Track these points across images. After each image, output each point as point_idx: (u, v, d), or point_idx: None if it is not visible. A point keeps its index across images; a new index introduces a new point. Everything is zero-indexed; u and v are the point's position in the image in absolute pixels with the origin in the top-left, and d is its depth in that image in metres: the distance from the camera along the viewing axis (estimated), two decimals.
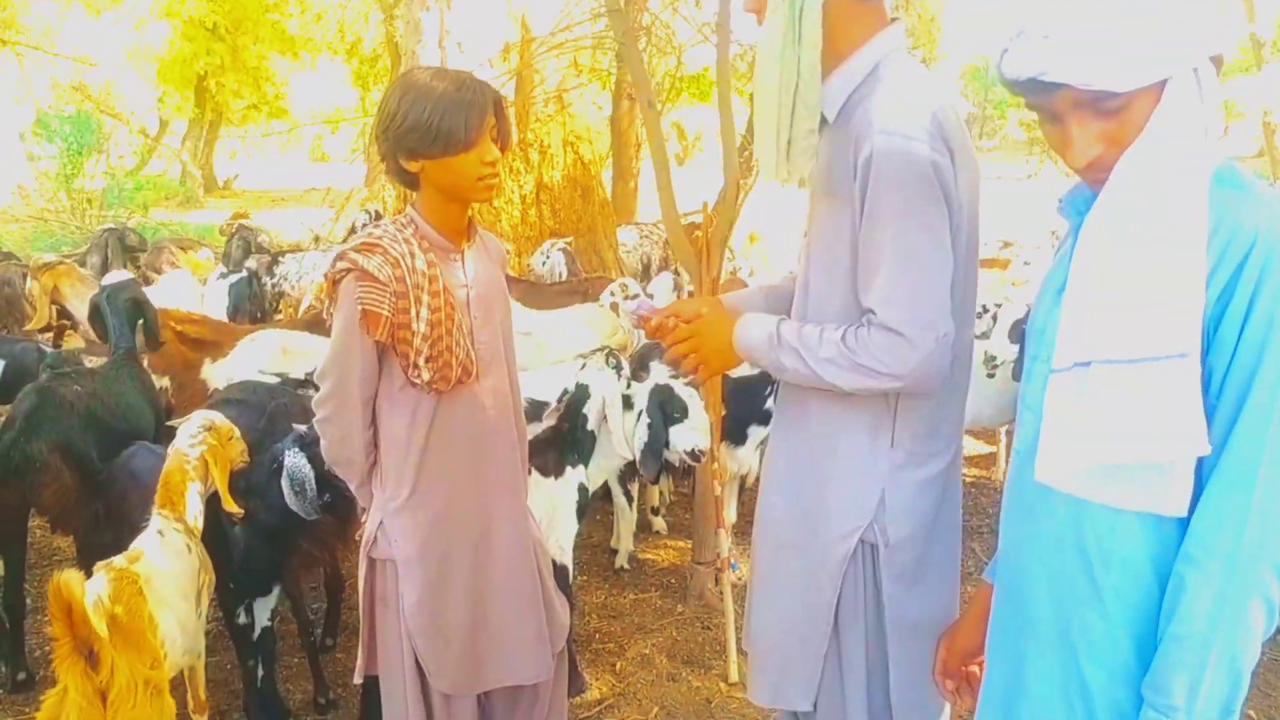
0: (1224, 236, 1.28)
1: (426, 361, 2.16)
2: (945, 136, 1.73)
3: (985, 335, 5.77)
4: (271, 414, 3.52)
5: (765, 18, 1.77)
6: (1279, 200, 1.31)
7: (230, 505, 2.85)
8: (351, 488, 2.37)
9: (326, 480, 2.98)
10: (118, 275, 4.42)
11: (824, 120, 1.82)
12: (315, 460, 2.96)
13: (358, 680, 2.42)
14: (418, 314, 2.14)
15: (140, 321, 4.17)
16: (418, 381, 2.17)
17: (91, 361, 4.55)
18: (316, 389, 2.32)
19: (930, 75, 1.86)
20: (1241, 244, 1.27)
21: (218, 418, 3.01)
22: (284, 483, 2.96)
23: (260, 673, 3.31)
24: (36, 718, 2.27)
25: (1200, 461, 1.32)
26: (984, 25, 33.77)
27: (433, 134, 2.06)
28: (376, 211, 8.57)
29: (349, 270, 2.14)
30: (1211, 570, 1.28)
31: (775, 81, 1.76)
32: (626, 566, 4.58)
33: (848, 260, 1.82)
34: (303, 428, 3.04)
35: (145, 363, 4.28)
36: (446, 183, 2.16)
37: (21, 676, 3.57)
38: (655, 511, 5.08)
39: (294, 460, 2.97)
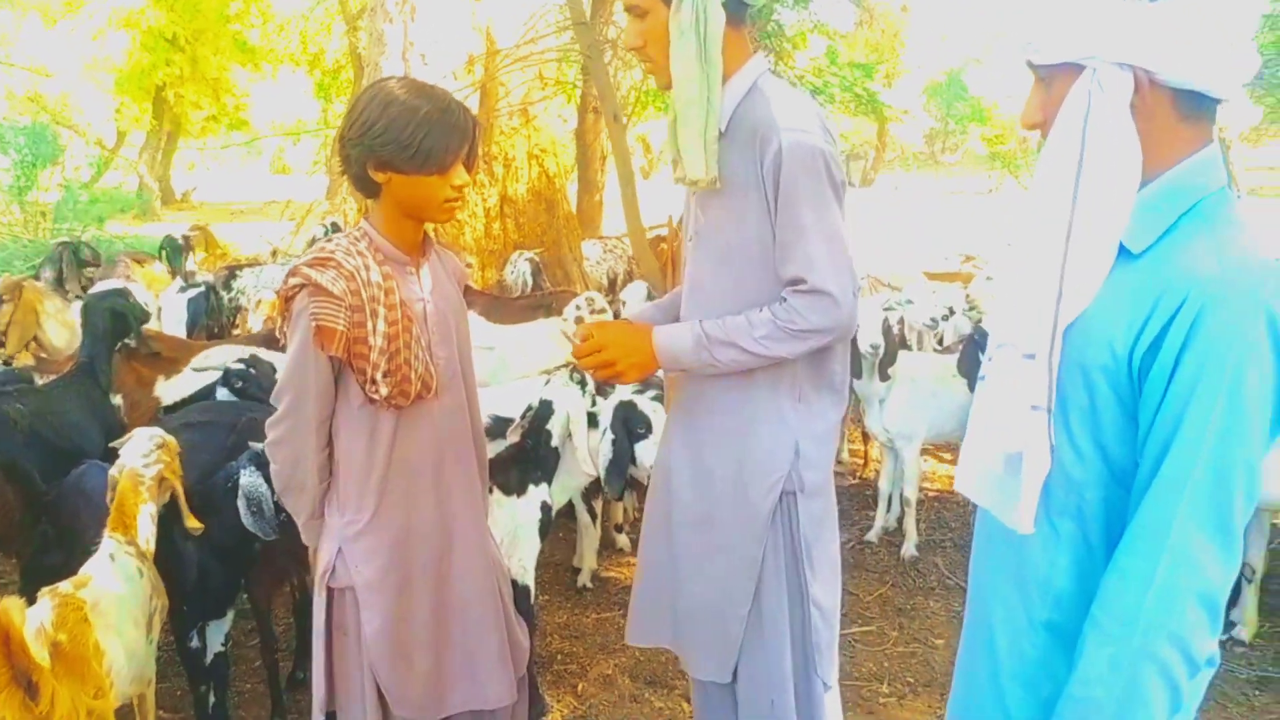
0: (1161, 284, 1.24)
1: (384, 376, 2.11)
2: (828, 130, 2.09)
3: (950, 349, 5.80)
4: (240, 431, 3.40)
5: (672, 49, 2.05)
6: (1232, 252, 1.24)
7: (193, 522, 2.78)
8: (299, 520, 2.28)
9: None
10: (107, 284, 4.36)
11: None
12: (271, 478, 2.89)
13: (318, 717, 2.34)
14: (374, 328, 2.09)
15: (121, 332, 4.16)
16: (376, 397, 2.12)
17: (41, 379, 4.44)
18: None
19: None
20: (1175, 296, 1.22)
21: (163, 433, 2.93)
22: (240, 502, 2.89)
23: (212, 699, 3.22)
24: None
25: (1116, 518, 1.29)
26: (946, 43, 34.20)
27: (412, 150, 2.04)
28: (335, 224, 8.50)
29: (302, 285, 2.09)
30: (1109, 633, 1.23)
31: (695, 93, 2.04)
32: (589, 585, 4.53)
33: (751, 247, 2.10)
34: (259, 445, 2.97)
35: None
36: (411, 199, 2.13)
37: None
38: (619, 529, 5.03)
39: (250, 479, 2.90)
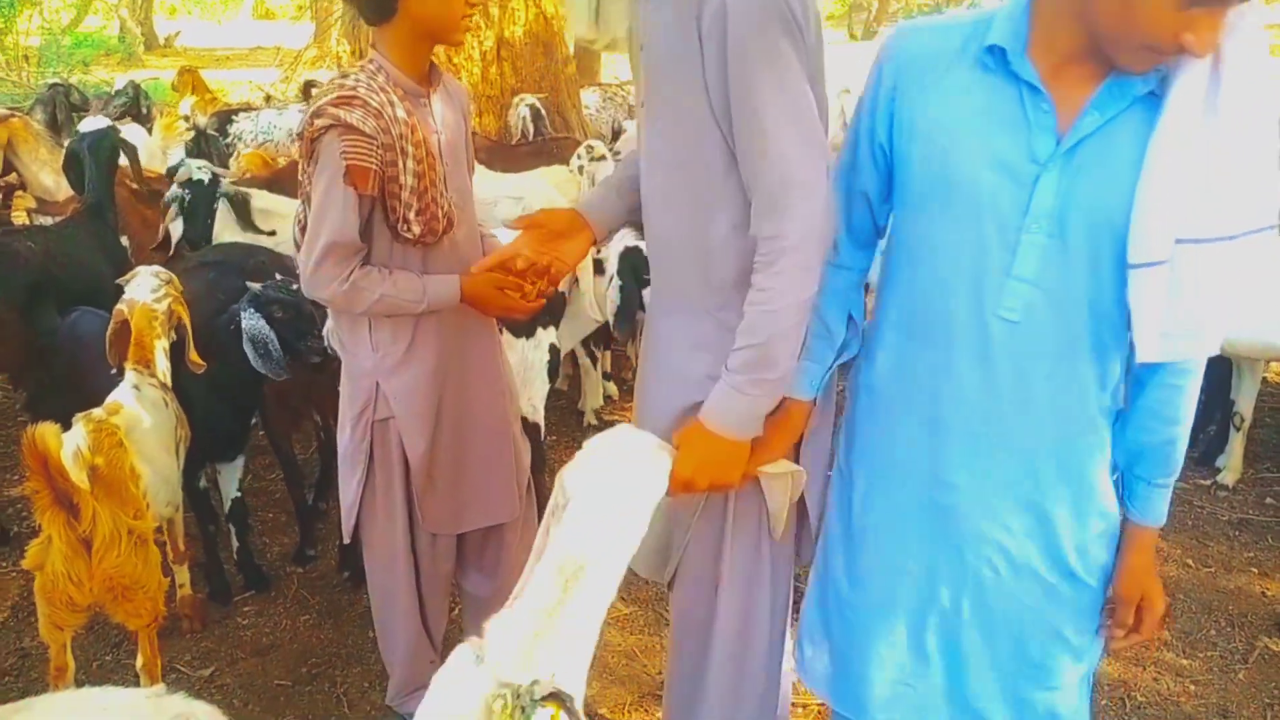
0: None
1: (417, 215, 2.11)
2: None
3: None
4: (249, 273, 3.37)
5: None
6: None
7: (196, 359, 2.82)
8: (396, 294, 2.15)
9: (292, 339, 2.96)
10: (96, 122, 4.24)
11: None
12: (273, 320, 2.92)
13: (348, 539, 2.46)
14: (404, 166, 2.07)
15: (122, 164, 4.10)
16: (409, 236, 2.12)
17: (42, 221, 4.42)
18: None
19: None
20: None
21: (164, 270, 2.95)
22: (246, 347, 2.92)
23: (235, 544, 3.33)
24: (22, 565, 2.29)
25: None
26: None
27: None
28: (311, 83, 8.35)
29: (331, 126, 2.03)
30: None
31: None
32: (595, 423, 4.65)
33: (688, 124, 1.68)
34: (257, 286, 2.98)
35: None
36: (430, 16, 2.06)
37: None
38: (607, 376, 5.04)
39: (251, 322, 2.91)
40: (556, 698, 1.25)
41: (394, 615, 2.50)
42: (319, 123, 2.05)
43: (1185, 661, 3.07)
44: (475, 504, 2.45)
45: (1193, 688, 2.95)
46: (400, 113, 2.07)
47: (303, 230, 2.24)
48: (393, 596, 2.48)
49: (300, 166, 2.21)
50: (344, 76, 2.13)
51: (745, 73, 1.58)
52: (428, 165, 2.11)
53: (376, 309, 2.16)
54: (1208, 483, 4.13)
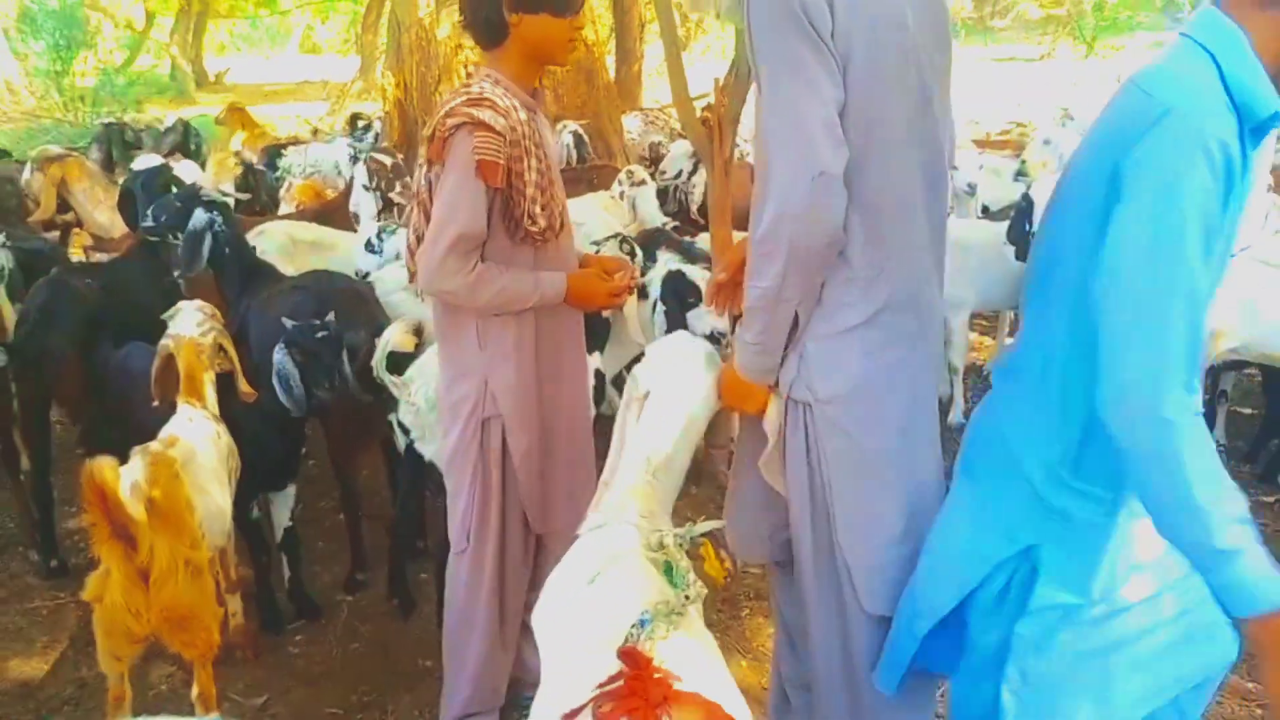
0: None
1: (542, 210, 2.21)
2: None
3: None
4: (327, 298, 3.41)
5: None
6: None
7: (246, 388, 2.88)
8: (525, 286, 2.27)
9: (323, 375, 2.99)
10: (150, 159, 4.36)
11: None
12: (301, 358, 2.97)
13: (460, 549, 2.44)
14: (529, 164, 2.18)
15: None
16: (533, 229, 2.22)
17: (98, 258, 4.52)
18: None
19: None
20: None
21: (205, 303, 3.02)
22: (275, 380, 2.98)
23: (287, 573, 3.36)
24: (82, 596, 2.33)
25: None
26: None
27: None
28: (365, 125, 8.52)
29: (463, 124, 2.13)
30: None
31: None
32: None
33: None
34: (289, 324, 3.03)
35: None
36: (539, 41, 2.20)
37: (54, 564, 3.65)
38: None
39: (279, 358, 2.98)
40: (711, 536, 1.67)
41: (470, 627, 2.48)
42: (451, 122, 2.15)
43: (1250, 685, 2.98)
44: (561, 505, 2.46)
45: (1259, 712, 2.87)
46: (524, 115, 2.18)
47: (419, 239, 2.31)
48: (474, 606, 2.47)
49: (420, 175, 2.29)
50: (467, 86, 2.24)
51: (756, 66, 1.72)
52: (546, 165, 2.23)
53: (495, 302, 2.24)
54: (1270, 500, 4.03)
